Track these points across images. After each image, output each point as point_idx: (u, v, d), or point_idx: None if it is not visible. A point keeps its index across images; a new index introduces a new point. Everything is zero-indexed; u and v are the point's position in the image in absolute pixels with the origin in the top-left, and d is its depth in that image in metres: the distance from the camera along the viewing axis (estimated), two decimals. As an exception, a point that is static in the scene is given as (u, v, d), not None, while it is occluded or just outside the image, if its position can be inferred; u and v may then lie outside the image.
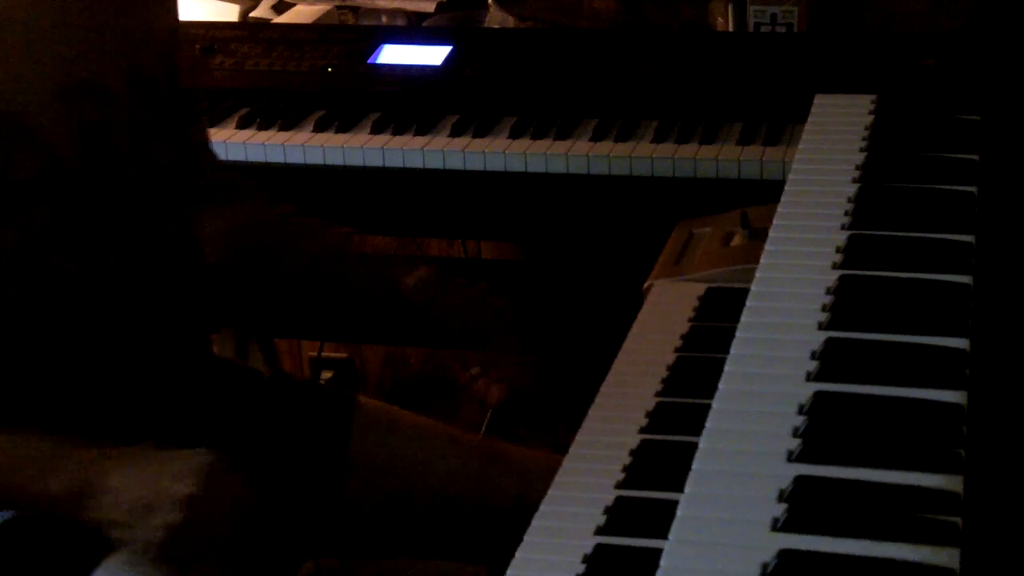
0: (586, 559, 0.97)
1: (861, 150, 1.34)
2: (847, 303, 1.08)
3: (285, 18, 2.36)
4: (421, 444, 1.51)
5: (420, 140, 1.96)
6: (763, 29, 2.11)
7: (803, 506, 0.89)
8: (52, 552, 1.27)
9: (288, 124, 2.02)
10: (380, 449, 1.48)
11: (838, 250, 1.14)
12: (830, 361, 1.02)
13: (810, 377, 1.01)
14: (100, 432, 1.29)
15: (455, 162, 1.93)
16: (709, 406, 1.01)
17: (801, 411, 0.98)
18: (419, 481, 1.49)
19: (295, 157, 1.96)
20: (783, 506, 0.89)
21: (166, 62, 1.35)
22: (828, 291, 1.10)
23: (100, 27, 1.26)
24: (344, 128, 2.01)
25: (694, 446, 0.97)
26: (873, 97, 1.46)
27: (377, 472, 1.48)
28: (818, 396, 0.98)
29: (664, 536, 0.89)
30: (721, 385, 1.03)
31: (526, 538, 1.01)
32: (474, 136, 1.96)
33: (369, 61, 2.11)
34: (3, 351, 1.25)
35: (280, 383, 1.53)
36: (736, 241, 1.51)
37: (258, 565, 1.43)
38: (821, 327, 1.06)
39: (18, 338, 1.25)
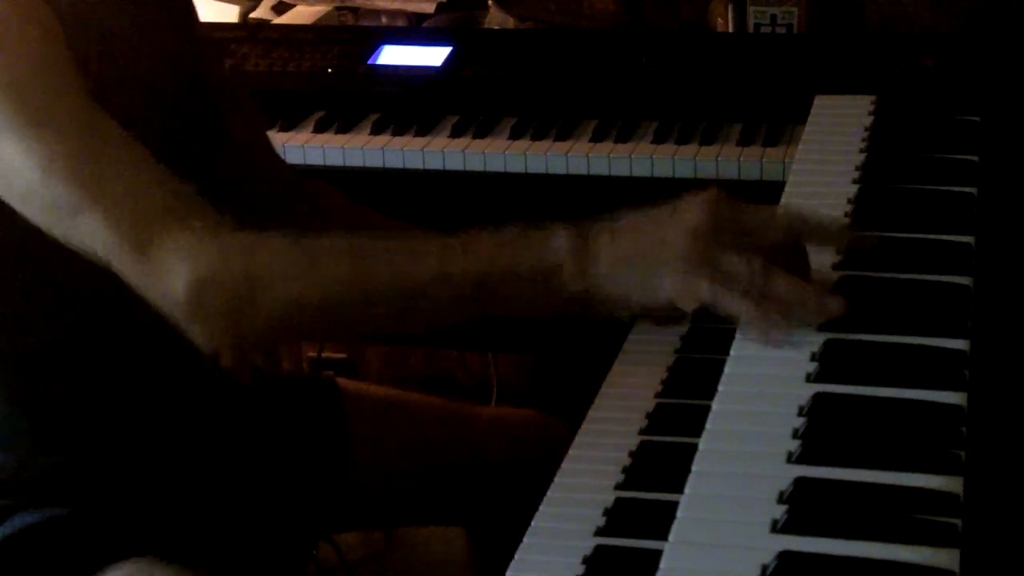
0: (586, 560, 0.97)
1: (861, 151, 1.34)
2: (848, 304, 1.08)
3: (285, 19, 2.36)
4: (399, 415, 1.53)
5: (420, 141, 1.96)
6: (763, 30, 2.11)
7: (803, 508, 0.89)
8: (55, 562, 1.27)
9: (288, 125, 2.02)
10: (364, 426, 1.50)
11: (838, 251, 1.14)
12: (830, 362, 1.02)
13: (810, 378, 1.01)
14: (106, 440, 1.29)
15: (455, 163, 1.93)
16: (709, 407, 1.01)
17: (801, 412, 0.98)
18: (400, 451, 1.50)
19: (295, 158, 1.96)
20: (783, 507, 0.89)
21: (191, 54, 1.35)
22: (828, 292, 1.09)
23: (169, 36, 1.27)
24: (344, 129, 2.01)
25: (694, 447, 0.97)
26: (873, 98, 1.46)
27: (366, 447, 1.49)
28: (818, 397, 0.98)
29: (664, 537, 0.89)
30: (721, 386, 1.03)
31: (526, 539, 1.00)
32: (474, 137, 1.96)
33: (369, 62, 2.11)
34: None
35: (262, 380, 1.53)
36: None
37: (273, 552, 1.44)
38: (821, 328, 1.06)
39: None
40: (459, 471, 1.52)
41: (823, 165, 1.33)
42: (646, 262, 1.06)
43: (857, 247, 1.10)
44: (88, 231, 1.08)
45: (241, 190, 1.48)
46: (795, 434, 0.96)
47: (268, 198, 1.47)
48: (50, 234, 1.11)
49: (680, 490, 0.93)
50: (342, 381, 1.55)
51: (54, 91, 1.11)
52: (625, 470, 1.07)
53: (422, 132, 1.98)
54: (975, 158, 1.31)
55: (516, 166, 1.92)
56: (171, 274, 1.06)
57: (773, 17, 2.10)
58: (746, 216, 1.07)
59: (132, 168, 1.10)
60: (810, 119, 1.45)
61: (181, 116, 1.30)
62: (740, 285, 1.03)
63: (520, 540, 0.99)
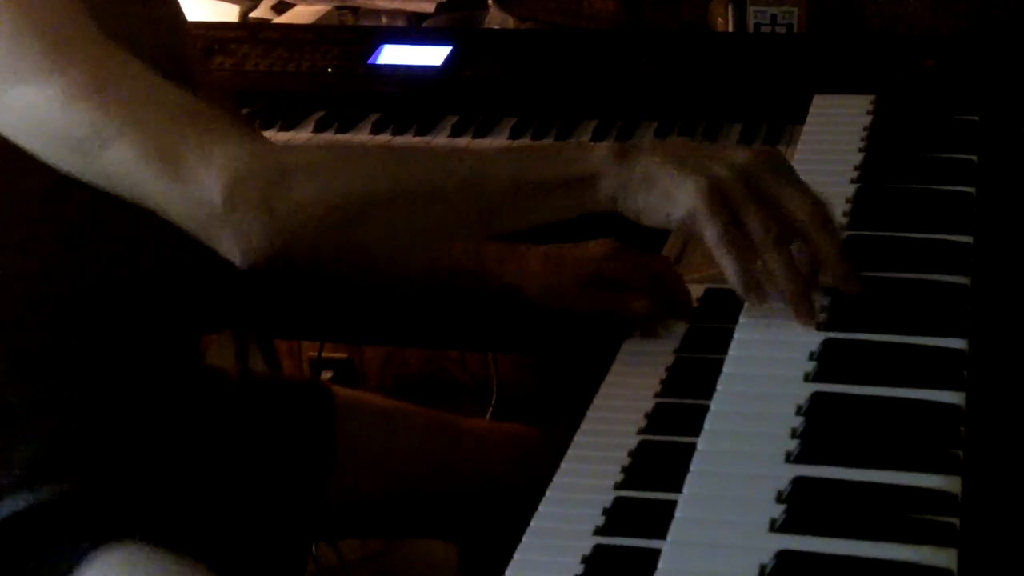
0: (585, 560, 0.97)
1: (860, 150, 1.34)
2: (845, 304, 1.08)
3: (285, 19, 2.36)
4: (390, 427, 1.53)
5: (420, 141, 1.96)
6: (763, 30, 2.11)
7: (801, 507, 0.89)
8: (36, 554, 1.27)
9: (288, 125, 2.02)
10: (355, 436, 1.50)
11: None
12: (828, 362, 1.02)
13: (808, 378, 1.01)
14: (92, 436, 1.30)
15: (455, 162, 1.93)
16: (707, 407, 1.01)
17: (799, 412, 0.98)
18: (391, 463, 1.50)
19: (295, 158, 1.96)
20: (781, 507, 0.89)
21: (172, 47, 1.34)
22: (826, 292, 1.10)
23: (135, 23, 1.26)
24: (344, 129, 2.01)
25: (692, 447, 0.97)
26: (872, 97, 1.46)
27: (356, 458, 1.49)
28: (816, 397, 0.98)
29: (663, 537, 0.90)
30: (719, 386, 1.03)
31: (525, 539, 1.01)
32: (474, 136, 1.96)
33: (369, 62, 2.11)
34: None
35: (250, 382, 1.53)
36: (736, 242, 1.50)
37: (264, 554, 1.44)
38: (819, 328, 1.06)
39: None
40: (445, 485, 1.51)
41: (822, 165, 1.33)
42: (678, 172, 1.06)
43: (844, 286, 1.10)
44: (117, 161, 1.08)
45: None
46: (793, 434, 0.96)
47: None
48: (79, 176, 1.11)
49: (679, 490, 0.93)
50: (337, 388, 1.55)
51: (69, 28, 1.11)
52: (624, 470, 1.07)
53: (422, 132, 1.98)
54: (974, 158, 1.31)
55: (516, 166, 1.92)
56: (206, 177, 1.06)
57: (773, 17, 2.10)
58: (787, 188, 1.08)
59: (154, 92, 1.10)
60: (809, 119, 1.45)
61: None
62: (739, 242, 1.05)
63: (509, 555, 0.99)
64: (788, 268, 1.06)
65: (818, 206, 1.08)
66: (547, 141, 1.92)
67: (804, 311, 1.06)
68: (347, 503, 1.49)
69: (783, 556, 0.85)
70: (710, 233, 1.05)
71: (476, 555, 1.61)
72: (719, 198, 1.05)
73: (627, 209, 1.09)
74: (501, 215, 1.12)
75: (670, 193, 1.07)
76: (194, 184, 1.07)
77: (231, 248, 1.08)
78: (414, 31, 2.29)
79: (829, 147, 1.36)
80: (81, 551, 1.25)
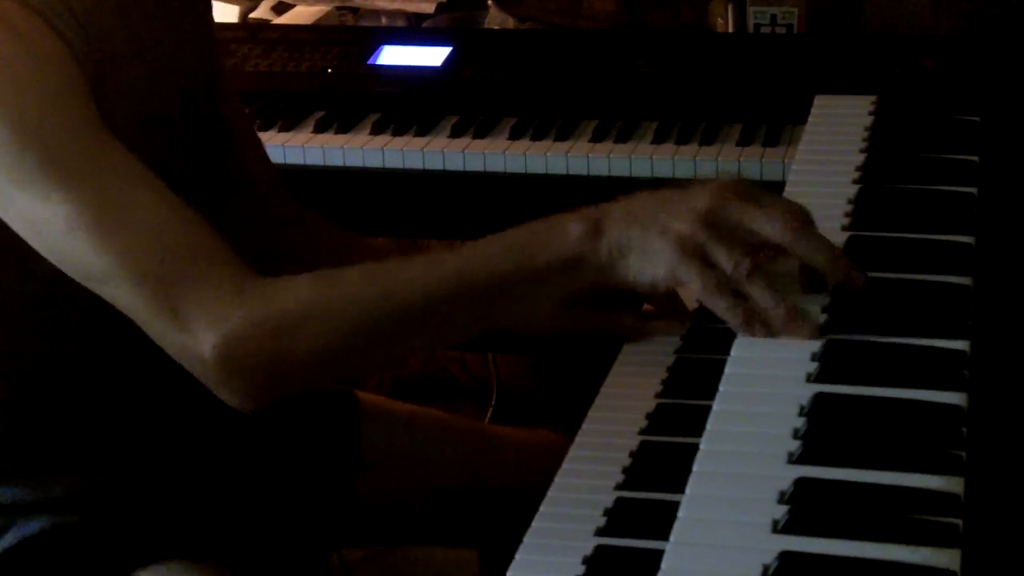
0: (586, 560, 0.97)
1: (861, 151, 1.34)
2: (847, 305, 1.08)
3: (285, 19, 2.36)
4: (418, 434, 1.52)
5: (420, 141, 1.96)
6: (763, 30, 2.11)
7: (804, 508, 0.89)
8: (88, 560, 1.27)
9: (288, 125, 2.02)
10: (382, 442, 1.49)
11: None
12: (830, 363, 1.02)
13: (810, 379, 1.01)
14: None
15: (455, 163, 1.93)
16: (709, 407, 1.01)
17: (801, 413, 0.98)
18: (419, 470, 1.50)
19: (295, 158, 1.96)
20: (784, 508, 0.89)
21: (205, 76, 1.33)
22: (828, 293, 1.09)
23: (162, 55, 1.25)
24: (344, 129, 2.01)
25: (694, 448, 0.97)
26: (873, 98, 1.46)
27: (382, 464, 1.49)
28: (818, 398, 0.98)
29: (664, 537, 0.89)
30: (721, 387, 1.03)
31: (526, 539, 1.01)
32: (474, 137, 1.96)
33: (369, 62, 2.11)
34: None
35: None
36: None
37: (288, 561, 1.44)
38: (821, 328, 1.06)
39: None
40: (470, 491, 1.50)
41: (823, 165, 1.33)
42: (645, 236, 1.08)
43: (847, 284, 1.09)
44: (116, 296, 1.10)
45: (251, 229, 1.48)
46: (796, 434, 0.96)
47: (272, 237, 1.48)
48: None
49: (680, 490, 0.93)
50: (361, 395, 1.55)
51: (73, 138, 1.09)
52: (625, 470, 1.07)
53: (422, 132, 1.98)
54: (975, 158, 1.31)
55: (516, 166, 1.92)
56: (199, 341, 1.07)
57: (773, 17, 2.10)
58: (751, 212, 1.07)
59: (154, 227, 1.09)
60: (810, 119, 1.45)
61: (194, 148, 1.29)
62: (723, 283, 1.06)
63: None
64: (766, 295, 1.06)
65: (790, 218, 1.07)
66: (546, 142, 1.92)
67: (796, 330, 1.06)
68: (372, 509, 1.48)
69: (785, 557, 0.85)
70: (695, 287, 1.07)
71: (497, 562, 1.61)
72: (689, 251, 1.06)
73: (615, 280, 1.10)
74: (495, 313, 1.14)
75: (644, 260, 1.08)
76: (190, 338, 1.07)
77: (228, 401, 1.10)
78: (414, 31, 2.29)
79: (831, 147, 1.36)
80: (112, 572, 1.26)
